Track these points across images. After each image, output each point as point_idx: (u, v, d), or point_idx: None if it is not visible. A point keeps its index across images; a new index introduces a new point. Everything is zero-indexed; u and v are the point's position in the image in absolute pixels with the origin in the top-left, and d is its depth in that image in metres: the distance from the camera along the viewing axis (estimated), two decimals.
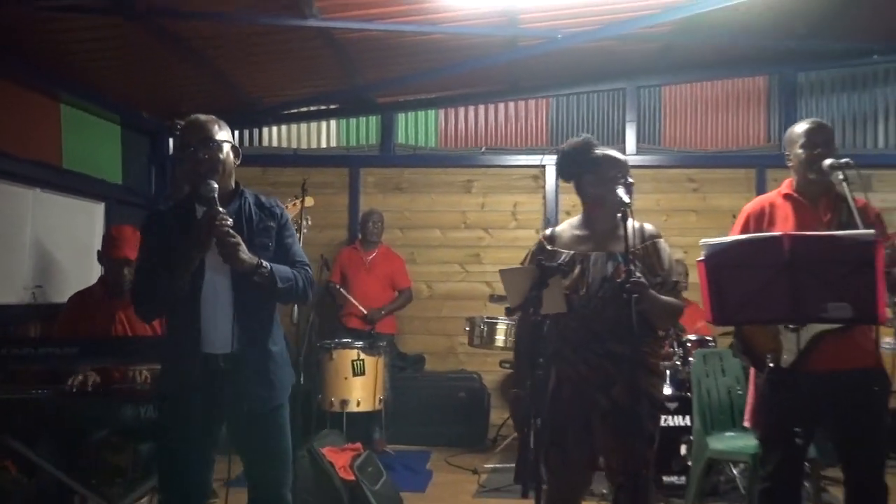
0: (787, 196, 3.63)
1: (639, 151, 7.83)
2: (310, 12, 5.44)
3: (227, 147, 3.18)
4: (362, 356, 6.25)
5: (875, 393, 3.31)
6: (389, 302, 7.13)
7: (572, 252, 3.35)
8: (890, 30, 7.05)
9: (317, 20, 5.53)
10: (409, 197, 7.99)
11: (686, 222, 7.53)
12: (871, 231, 2.94)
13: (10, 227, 5.78)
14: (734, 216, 3.82)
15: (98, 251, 4.67)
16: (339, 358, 6.24)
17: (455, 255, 7.86)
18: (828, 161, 3.44)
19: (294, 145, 8.07)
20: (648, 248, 3.34)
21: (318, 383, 6.26)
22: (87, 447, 4.17)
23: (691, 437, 5.05)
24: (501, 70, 7.20)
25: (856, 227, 3.17)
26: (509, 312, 3.27)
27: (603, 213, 3.41)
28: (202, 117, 3.20)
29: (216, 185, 3.05)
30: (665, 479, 5.44)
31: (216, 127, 3.18)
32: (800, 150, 3.56)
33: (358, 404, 6.20)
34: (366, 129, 8.11)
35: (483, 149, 8.02)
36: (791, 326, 3.22)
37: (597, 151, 3.48)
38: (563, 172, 3.55)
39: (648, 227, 3.43)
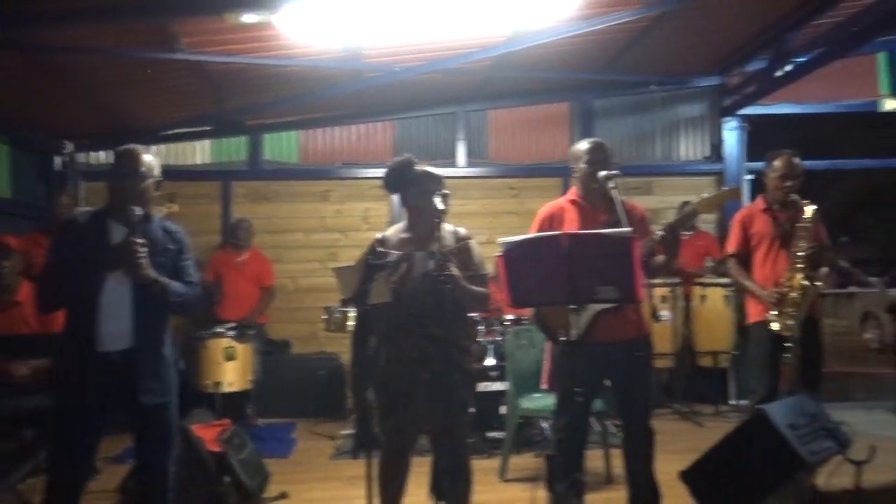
0: (573, 202, 3.80)
1: (469, 165, 7.98)
2: (178, 47, 5.27)
3: (151, 179, 3.19)
4: (233, 344, 6.15)
5: (639, 357, 3.51)
6: (257, 302, 7.06)
7: (399, 252, 3.40)
8: (663, 65, 7.48)
9: (184, 54, 5.36)
10: (274, 205, 7.85)
11: (508, 223, 7.68)
12: (629, 229, 3.11)
13: None
14: None
15: None
16: (212, 346, 6.11)
17: (315, 255, 7.78)
18: (603, 173, 3.62)
19: (172, 162, 7.78)
20: (462, 247, 3.42)
21: (194, 368, 6.11)
22: None
23: None
24: (352, 96, 7.18)
25: (624, 226, 3.36)
26: (343, 303, 3.29)
27: (423, 219, 3.46)
28: (137, 149, 3.20)
29: (140, 213, 3.07)
30: (488, 434, 5.59)
31: (147, 159, 3.18)
32: (583, 165, 3.73)
33: (230, 385, 6.11)
34: (236, 147, 7.91)
35: (339, 163, 7.98)
36: (573, 306, 3.38)
37: (416, 168, 3.52)
38: (389, 186, 3.59)
39: (461, 230, 3.51)
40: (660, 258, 3.57)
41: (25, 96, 6.01)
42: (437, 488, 3.41)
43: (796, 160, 4.32)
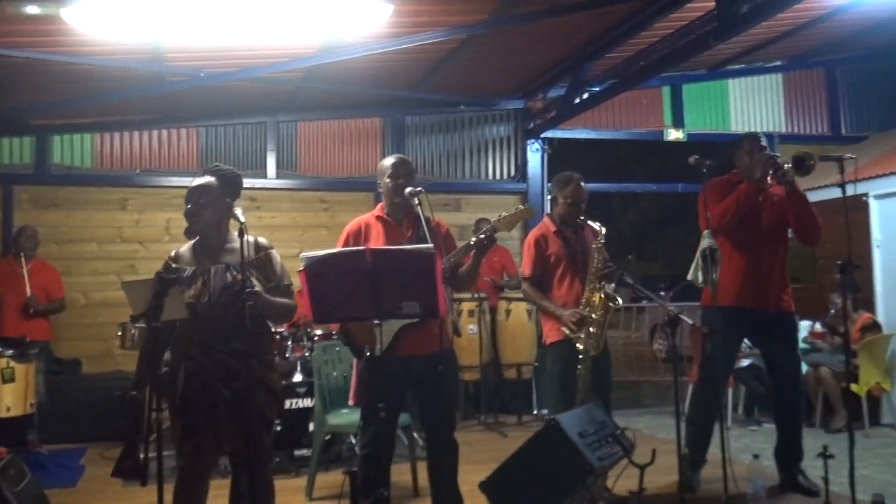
0: (378, 217, 3.82)
1: (279, 176, 7.84)
2: None
3: None
4: (12, 364, 5.62)
5: (443, 371, 3.57)
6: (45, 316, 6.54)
7: (194, 267, 3.26)
8: (471, 87, 7.75)
9: None
10: (64, 213, 7.30)
11: (318, 236, 7.68)
12: (431, 245, 3.16)
13: None
14: None
15: None
16: None
17: (111, 267, 7.30)
18: (408, 189, 3.66)
19: None
20: (262, 258, 3.33)
21: None
22: None
23: None
24: (154, 100, 6.84)
25: (428, 242, 3.41)
26: (133, 320, 3.10)
27: (219, 231, 3.34)
28: None
29: None
30: (296, 452, 5.48)
31: None
32: (387, 180, 3.76)
33: (8, 410, 5.58)
34: (19, 149, 7.28)
35: (138, 170, 7.55)
36: (377, 322, 3.40)
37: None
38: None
39: (262, 240, 3.41)
40: (462, 273, 3.67)
41: None
42: None
43: (583, 184, 4.56)
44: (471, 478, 3.81)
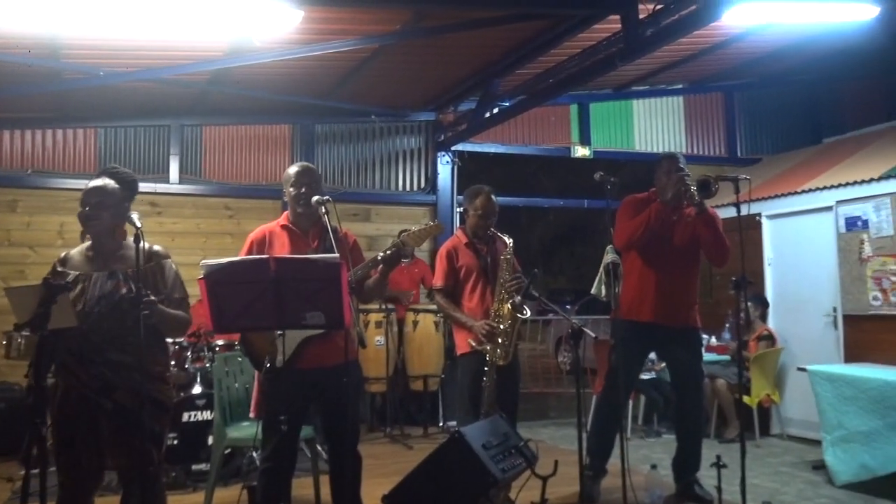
0: (284, 226, 3.75)
1: (182, 181, 7.62)
2: None
3: None
4: None
5: (347, 383, 3.52)
6: None
7: (77, 272, 3.12)
8: (382, 97, 7.74)
9: None
10: None
11: (223, 244, 7.51)
12: (337, 255, 3.12)
13: None
14: None
15: None
16: None
17: None
18: (315, 198, 3.61)
19: None
20: (154, 267, 3.22)
21: None
22: None
23: None
24: (48, 98, 6.54)
25: (334, 252, 3.37)
26: (17, 328, 2.93)
27: (113, 236, 3.21)
28: None
29: None
30: (194, 467, 5.31)
31: None
32: (291, 189, 3.70)
33: None
34: None
35: (29, 170, 7.19)
36: (279, 332, 3.33)
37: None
38: None
39: (157, 247, 3.30)
40: (370, 285, 3.64)
41: None
42: None
43: (494, 198, 4.61)
44: (375, 491, 3.78)
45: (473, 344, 4.35)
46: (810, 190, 6.90)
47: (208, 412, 5.30)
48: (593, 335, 4.02)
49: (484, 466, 3.47)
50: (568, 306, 16.14)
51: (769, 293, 7.27)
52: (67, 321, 2.87)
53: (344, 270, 3.03)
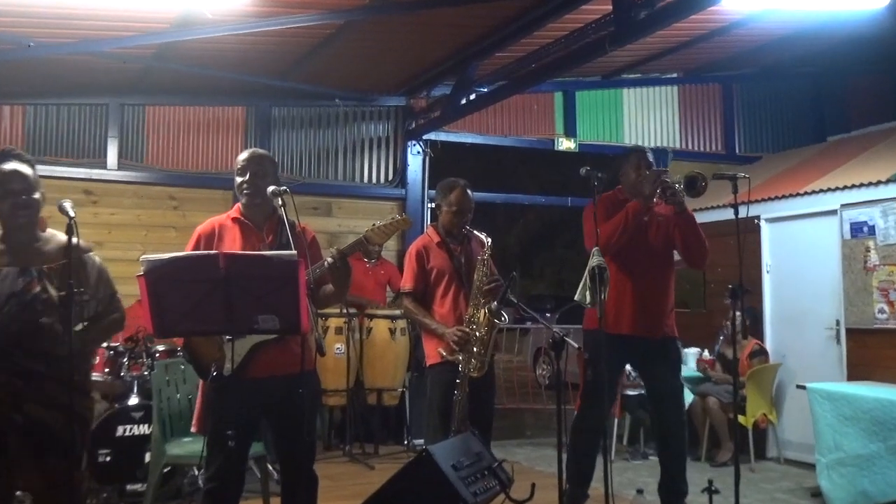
0: (235, 219, 3.71)
1: (121, 167, 7.54)
2: None
3: None
4: None
5: (302, 395, 3.49)
6: None
7: None
8: (347, 79, 7.71)
9: None
10: None
11: (166, 237, 7.45)
12: (294, 252, 3.10)
13: None
14: None
15: None
16: None
17: None
18: (270, 188, 3.58)
19: None
20: (69, 264, 3.15)
21: None
22: None
23: None
24: None
25: (291, 249, 3.34)
26: None
27: (28, 228, 3.16)
28: None
29: None
30: (129, 487, 5.25)
31: None
32: (237, 177, 3.67)
33: None
34: None
35: None
36: (228, 337, 3.30)
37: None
38: None
39: (81, 242, 3.23)
40: (328, 287, 3.62)
41: None
42: None
43: (469, 192, 4.61)
44: None
45: (444, 353, 4.35)
46: (813, 192, 6.99)
47: (146, 426, 5.26)
48: (576, 346, 4.03)
49: (454, 489, 3.46)
50: (548, 314, 16.23)
51: (767, 303, 7.35)
52: None
53: (302, 269, 3.01)
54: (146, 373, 5.51)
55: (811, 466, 6.36)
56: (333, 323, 6.96)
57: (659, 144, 9.02)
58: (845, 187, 6.66)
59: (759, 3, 6.40)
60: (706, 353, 7.51)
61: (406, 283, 4.60)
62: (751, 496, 5.73)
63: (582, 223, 4.77)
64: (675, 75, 9.14)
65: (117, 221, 7.40)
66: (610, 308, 4.54)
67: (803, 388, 5.84)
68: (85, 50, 6.00)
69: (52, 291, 2.94)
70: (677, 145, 9.15)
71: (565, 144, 8.82)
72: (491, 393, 4.60)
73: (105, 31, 5.80)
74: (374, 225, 3.63)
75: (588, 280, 4.37)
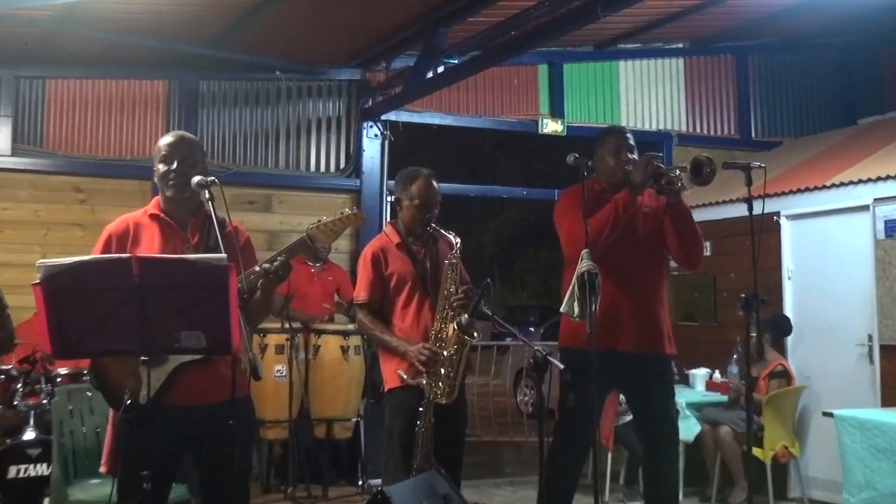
0: (153, 216, 3.68)
1: (15, 152, 7.52)
2: None
3: None
4: None
5: (234, 426, 3.47)
6: None
7: None
8: (290, 48, 7.70)
9: None
10: None
11: (71, 237, 7.44)
12: (224, 256, 3.08)
13: None
14: None
15: None
16: None
17: None
18: (196, 179, 3.55)
19: None
20: None
21: None
22: None
23: None
24: None
25: (221, 251, 3.32)
26: None
27: None
28: None
29: None
30: None
31: None
32: (160, 165, 3.63)
33: None
34: None
35: None
36: (144, 358, 3.27)
37: None
38: None
39: None
40: (258, 296, 3.60)
41: None
42: None
43: (435, 184, 4.59)
44: None
45: (405, 376, 4.35)
46: (842, 184, 7.07)
47: (44, 465, 5.25)
48: (562, 366, 4.04)
49: None
50: (531, 328, 16.30)
51: (788, 315, 7.40)
52: None
53: (233, 276, 3.00)
54: (45, 401, 5.48)
55: None
56: (273, 340, 6.93)
57: (661, 127, 9.11)
58: (879, 179, 6.74)
59: None
60: (716, 374, 7.55)
61: (360, 292, 4.59)
62: None
63: (555, 221, 4.74)
64: (680, 46, 9.24)
65: (11, 218, 7.35)
66: (603, 319, 4.46)
67: (830, 415, 5.89)
68: None
69: None
70: (683, 128, 9.24)
71: (551, 127, 8.87)
72: (461, 423, 4.61)
73: None
74: (319, 221, 3.62)
75: (576, 288, 4.37)
